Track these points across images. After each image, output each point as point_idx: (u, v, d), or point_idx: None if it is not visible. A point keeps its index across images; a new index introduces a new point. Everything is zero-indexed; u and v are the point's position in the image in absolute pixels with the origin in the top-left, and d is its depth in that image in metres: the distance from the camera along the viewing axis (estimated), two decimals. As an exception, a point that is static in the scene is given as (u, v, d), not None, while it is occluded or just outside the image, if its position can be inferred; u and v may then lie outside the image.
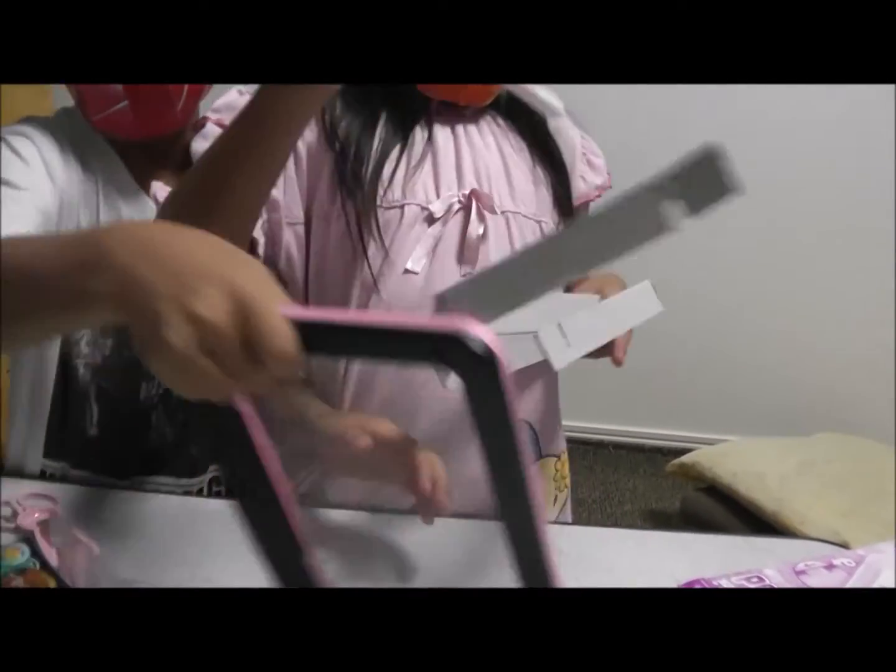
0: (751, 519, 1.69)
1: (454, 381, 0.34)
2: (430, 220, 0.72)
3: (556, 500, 0.81)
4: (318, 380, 0.75)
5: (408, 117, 0.74)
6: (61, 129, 0.81)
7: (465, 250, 0.72)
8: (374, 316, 0.33)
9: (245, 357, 0.33)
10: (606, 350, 0.66)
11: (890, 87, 1.96)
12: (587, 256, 0.48)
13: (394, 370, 0.71)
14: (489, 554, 0.66)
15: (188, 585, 0.59)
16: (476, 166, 0.75)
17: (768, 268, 2.21)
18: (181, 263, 0.35)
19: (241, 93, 0.71)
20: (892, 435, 1.94)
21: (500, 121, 0.79)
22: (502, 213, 0.74)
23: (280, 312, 0.33)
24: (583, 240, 0.47)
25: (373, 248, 0.70)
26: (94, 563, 0.58)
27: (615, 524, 2.01)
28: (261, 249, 0.70)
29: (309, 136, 0.71)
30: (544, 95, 0.63)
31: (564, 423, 0.84)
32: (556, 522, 0.81)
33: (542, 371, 0.77)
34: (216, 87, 0.76)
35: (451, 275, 0.72)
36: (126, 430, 0.85)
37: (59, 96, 0.87)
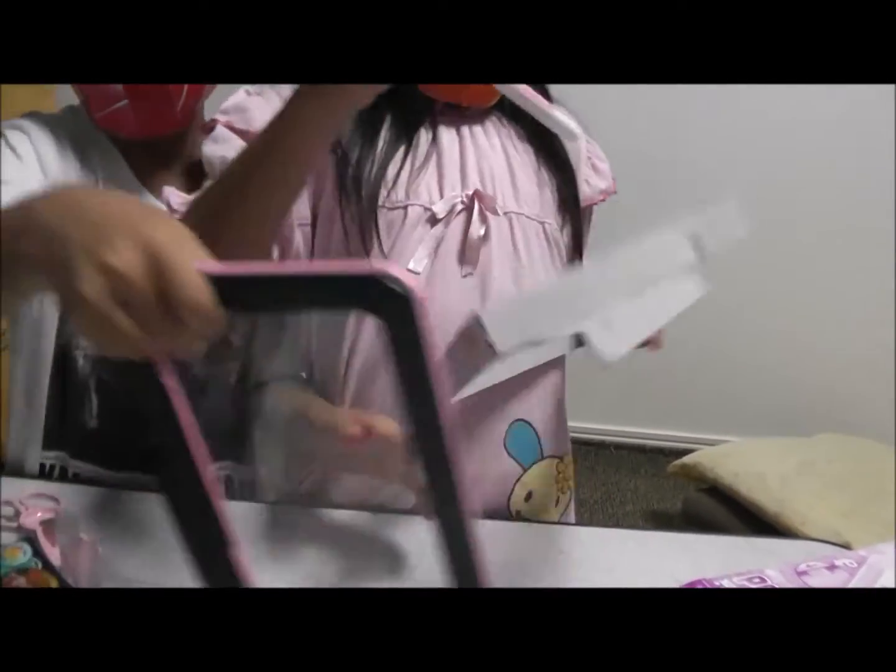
0: (752, 519, 1.69)
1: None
2: (433, 220, 0.72)
3: (557, 501, 0.81)
4: (319, 378, 0.75)
5: (412, 118, 0.74)
6: (63, 125, 0.82)
7: (467, 251, 0.72)
8: (293, 265, 0.33)
9: (160, 310, 0.33)
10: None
11: (890, 87, 1.96)
12: (612, 293, 0.49)
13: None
14: (490, 554, 0.66)
15: (190, 585, 0.59)
16: (480, 167, 0.75)
17: (768, 268, 2.21)
18: (98, 218, 0.35)
19: (248, 93, 0.71)
20: (892, 435, 1.94)
21: (506, 122, 0.79)
22: (505, 214, 0.74)
23: (194, 265, 0.33)
24: (608, 276, 0.49)
25: (375, 249, 0.71)
26: (96, 563, 0.58)
27: (617, 525, 2.01)
28: (275, 252, 0.71)
29: None
30: (560, 118, 0.63)
31: (565, 423, 0.84)
32: (557, 523, 0.81)
33: (545, 371, 0.77)
34: (220, 88, 0.77)
35: (452, 275, 0.72)
36: (126, 423, 0.84)
37: (62, 96, 0.87)
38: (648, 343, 0.68)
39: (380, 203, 0.71)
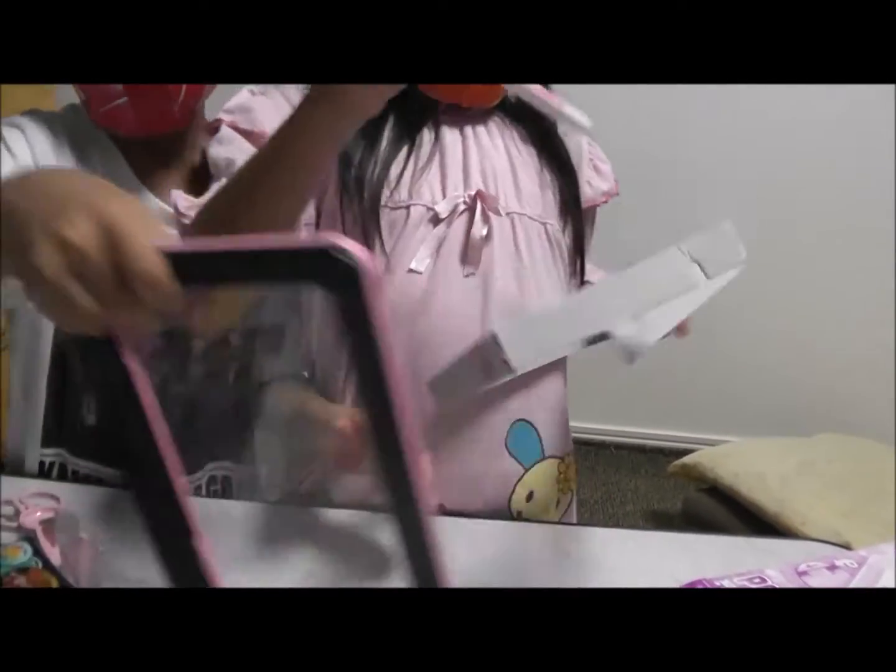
0: (752, 519, 1.69)
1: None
2: (436, 220, 0.72)
3: (558, 503, 0.80)
4: (320, 377, 0.75)
5: (415, 118, 0.74)
6: (62, 123, 0.82)
7: (469, 251, 0.72)
8: (246, 240, 0.32)
9: (116, 284, 0.33)
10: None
11: (890, 87, 1.96)
12: (621, 309, 0.50)
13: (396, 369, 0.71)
14: (490, 554, 0.66)
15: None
16: (483, 167, 0.75)
17: (768, 268, 2.21)
18: (59, 195, 0.35)
19: (252, 93, 0.71)
20: (892, 435, 1.94)
21: (509, 123, 0.79)
22: (507, 214, 0.74)
23: (149, 240, 0.33)
24: (617, 294, 0.50)
25: (377, 248, 0.71)
26: (97, 563, 0.58)
27: (617, 525, 2.01)
28: None
29: None
30: (570, 111, 0.63)
31: (566, 423, 0.84)
32: (558, 523, 0.81)
33: (546, 371, 0.77)
34: (221, 87, 0.76)
35: (454, 275, 0.72)
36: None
37: (62, 96, 0.87)
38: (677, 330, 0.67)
39: (382, 203, 0.71)
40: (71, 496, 0.69)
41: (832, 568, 0.56)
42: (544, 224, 0.77)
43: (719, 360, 2.31)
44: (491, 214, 0.73)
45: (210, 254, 0.34)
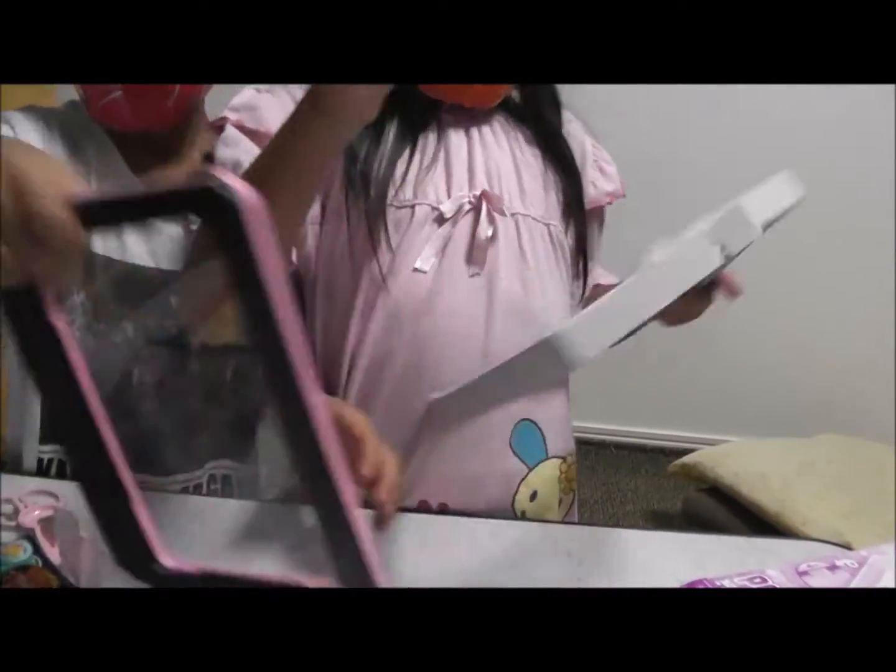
0: (753, 519, 1.69)
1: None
2: (441, 220, 0.72)
3: (560, 503, 0.80)
4: (321, 377, 0.75)
5: (419, 117, 0.74)
6: (58, 118, 0.82)
7: (474, 251, 0.72)
8: (139, 186, 0.34)
9: (24, 231, 0.34)
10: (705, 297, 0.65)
11: (890, 87, 1.96)
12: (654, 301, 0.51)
13: (399, 370, 0.71)
14: (491, 553, 0.66)
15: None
16: (488, 167, 0.75)
17: (768, 268, 2.21)
18: None
19: (258, 91, 0.71)
20: (892, 435, 1.94)
21: (513, 124, 0.80)
22: (512, 214, 0.74)
23: (55, 187, 0.34)
24: (649, 286, 0.51)
25: (383, 246, 0.71)
26: (97, 562, 0.58)
27: (617, 524, 2.00)
28: (294, 256, 0.71)
29: None
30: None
31: (566, 423, 0.84)
32: (559, 523, 0.81)
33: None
34: (222, 86, 0.76)
35: (459, 275, 0.72)
36: (118, 416, 0.84)
37: (62, 95, 0.87)
38: (722, 288, 0.65)
39: (388, 201, 0.71)
40: (70, 494, 0.69)
41: (833, 568, 0.56)
42: (547, 225, 0.77)
43: (719, 360, 2.31)
44: (496, 215, 0.73)
45: (110, 200, 0.35)
